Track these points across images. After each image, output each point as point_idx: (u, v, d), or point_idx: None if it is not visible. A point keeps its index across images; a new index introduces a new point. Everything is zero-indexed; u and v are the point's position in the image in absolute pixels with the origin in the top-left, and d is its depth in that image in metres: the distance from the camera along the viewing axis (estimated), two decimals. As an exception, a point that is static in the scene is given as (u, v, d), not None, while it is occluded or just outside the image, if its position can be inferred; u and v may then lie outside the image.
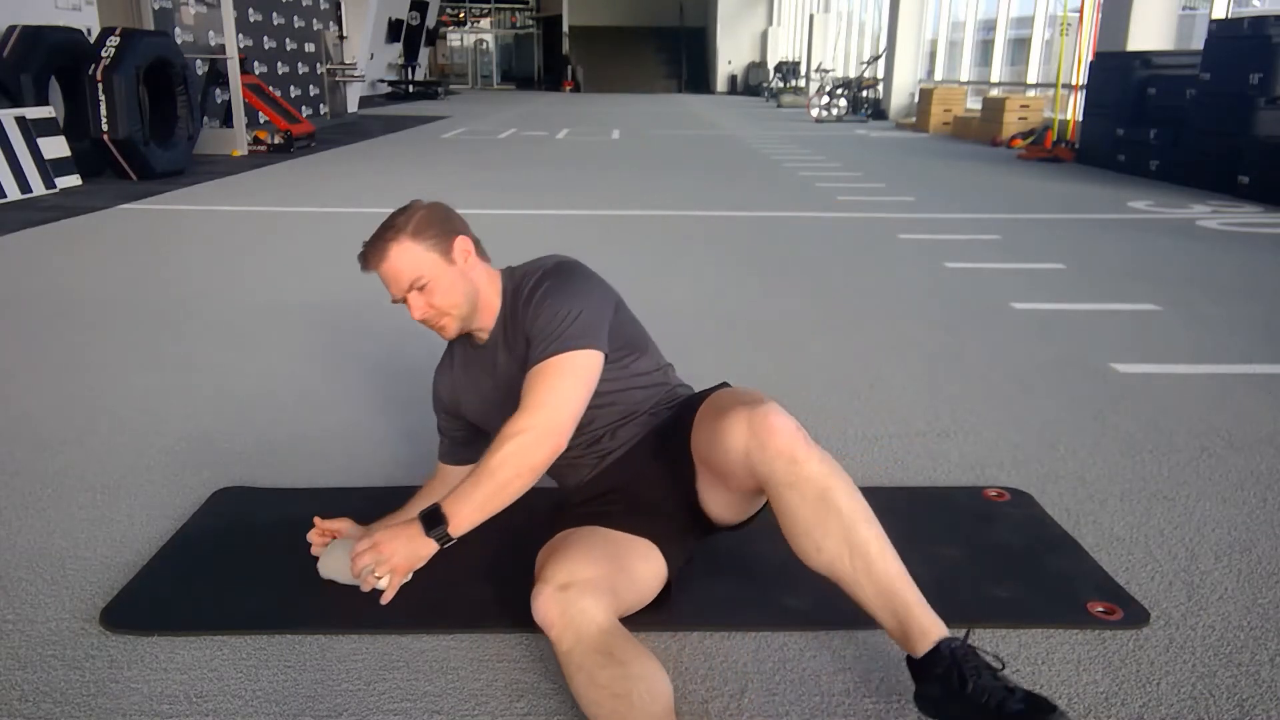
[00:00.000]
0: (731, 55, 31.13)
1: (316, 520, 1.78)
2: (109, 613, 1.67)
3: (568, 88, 30.73)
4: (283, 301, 3.87)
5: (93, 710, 1.43)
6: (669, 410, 1.81)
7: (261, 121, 10.76)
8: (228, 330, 3.49)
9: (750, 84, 29.54)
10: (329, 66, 15.58)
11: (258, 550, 1.89)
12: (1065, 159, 9.41)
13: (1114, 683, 1.50)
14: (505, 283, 1.80)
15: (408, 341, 3.07)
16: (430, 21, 23.74)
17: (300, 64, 15.09)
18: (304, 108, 14.68)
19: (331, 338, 3.42)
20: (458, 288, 1.73)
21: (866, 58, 18.79)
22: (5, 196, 6.58)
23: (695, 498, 1.68)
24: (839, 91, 16.59)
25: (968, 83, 14.91)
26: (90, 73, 7.40)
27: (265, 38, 13.82)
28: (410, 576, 1.63)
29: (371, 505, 1.90)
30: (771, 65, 26.51)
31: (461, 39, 37.48)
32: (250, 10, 13.25)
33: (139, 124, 7.58)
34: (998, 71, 14.26)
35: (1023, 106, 11.25)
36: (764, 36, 30.17)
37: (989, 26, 14.51)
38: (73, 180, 7.40)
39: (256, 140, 10.00)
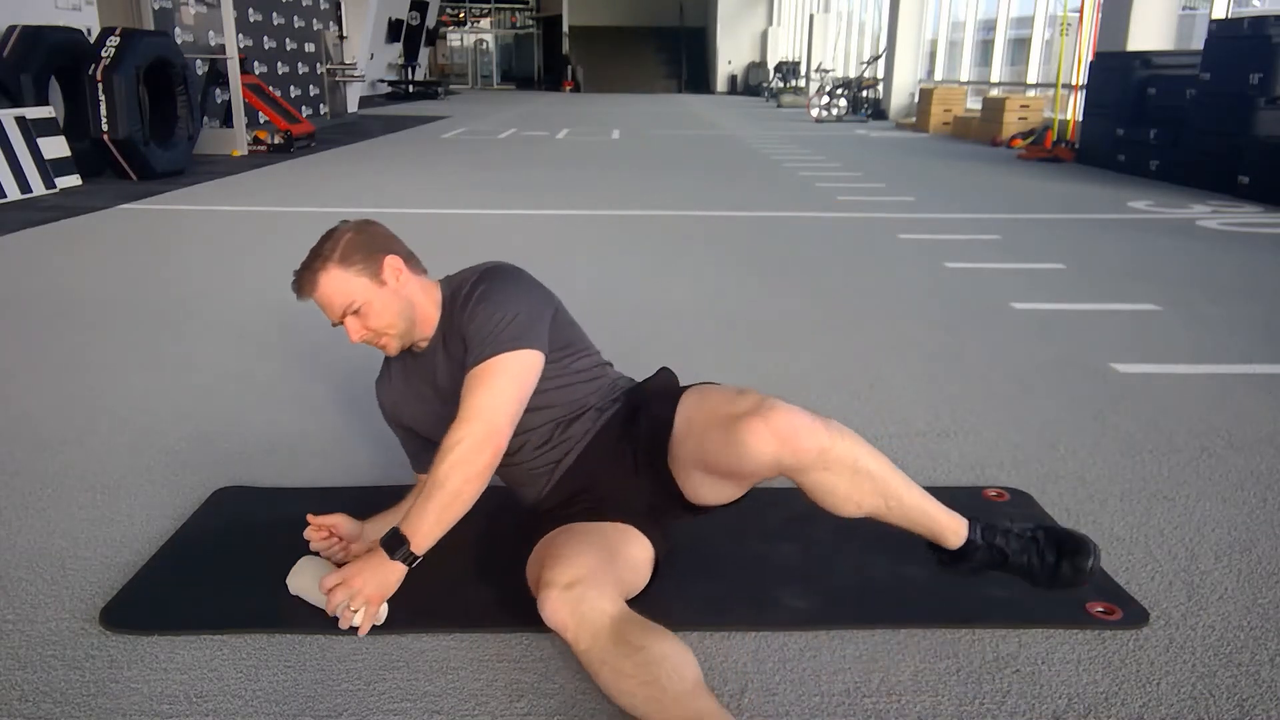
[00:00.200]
0: (731, 55, 31.14)
1: (310, 518, 1.78)
2: (109, 613, 1.67)
3: (568, 88, 30.73)
4: (283, 301, 3.85)
5: (93, 710, 1.43)
6: (614, 403, 1.82)
7: (261, 121, 10.76)
8: (228, 330, 3.49)
9: (750, 84, 29.54)
10: (329, 66, 15.58)
11: (258, 550, 1.89)
12: (1065, 159, 9.41)
13: (1114, 683, 1.50)
14: (443, 291, 1.81)
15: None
16: (430, 21, 23.75)
17: (300, 64, 15.09)
18: (304, 108, 14.68)
19: (331, 337, 3.41)
20: (392, 308, 1.73)
21: (866, 58, 18.79)
22: (5, 196, 6.58)
23: (674, 488, 1.70)
24: (839, 91, 16.59)
25: (968, 83, 14.91)
26: (90, 73, 7.40)
27: (265, 38, 13.82)
28: (385, 613, 1.62)
29: (371, 504, 1.90)
30: (771, 65, 26.51)
31: (461, 39, 37.48)
32: (250, 10, 13.24)
33: (139, 124, 7.58)
34: (998, 71, 14.26)
35: (1023, 106, 11.25)
36: (764, 36, 30.17)
37: (989, 26, 14.52)
38: (73, 180, 7.41)
39: (256, 140, 10.00)
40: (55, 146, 7.33)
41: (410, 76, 22.94)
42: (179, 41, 10.11)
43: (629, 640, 1.38)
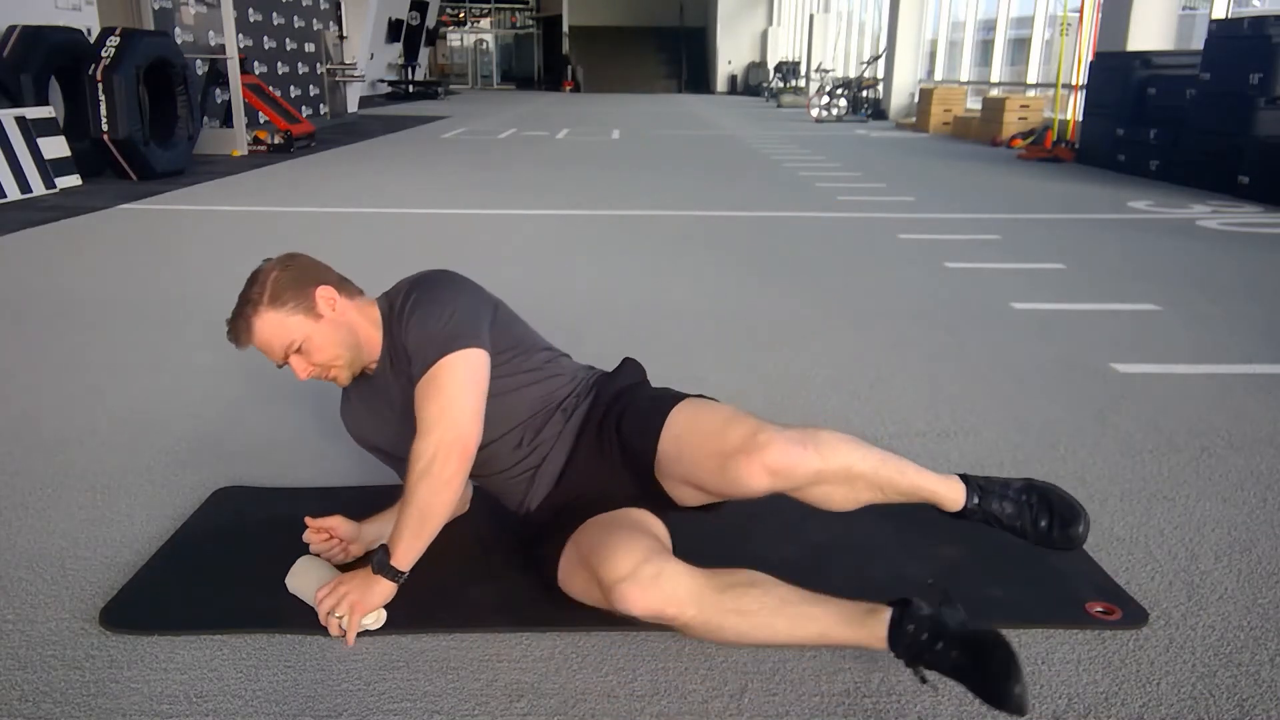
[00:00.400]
0: (731, 55, 31.14)
1: (308, 520, 1.78)
2: (109, 613, 1.67)
3: (568, 88, 30.73)
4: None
5: (93, 710, 1.43)
6: (582, 399, 1.80)
7: (261, 121, 10.76)
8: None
9: (750, 84, 29.54)
10: (329, 66, 15.58)
11: (257, 550, 1.89)
12: (1065, 159, 9.41)
13: (1114, 683, 1.50)
14: (381, 308, 1.78)
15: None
16: (430, 21, 23.74)
17: (300, 64, 15.09)
18: (304, 108, 14.68)
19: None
20: (333, 339, 1.71)
21: (866, 58, 18.79)
22: (5, 196, 6.58)
23: (664, 497, 1.70)
24: (839, 91, 16.59)
25: (968, 83, 14.91)
26: (90, 73, 7.39)
27: (265, 38, 13.81)
28: (382, 618, 1.62)
29: (370, 504, 1.90)
30: (771, 65, 26.51)
31: (461, 39, 37.48)
32: (250, 10, 13.24)
33: (139, 124, 7.58)
34: (998, 71, 14.26)
35: (1023, 106, 11.25)
36: (764, 36, 30.17)
37: (989, 26, 14.52)
38: (73, 180, 7.40)
39: (256, 140, 10.00)
40: (55, 146, 7.33)
41: (410, 76, 22.93)
42: (179, 41, 10.11)
43: (718, 586, 1.45)
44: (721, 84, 31.32)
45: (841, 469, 1.54)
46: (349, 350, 1.73)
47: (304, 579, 1.70)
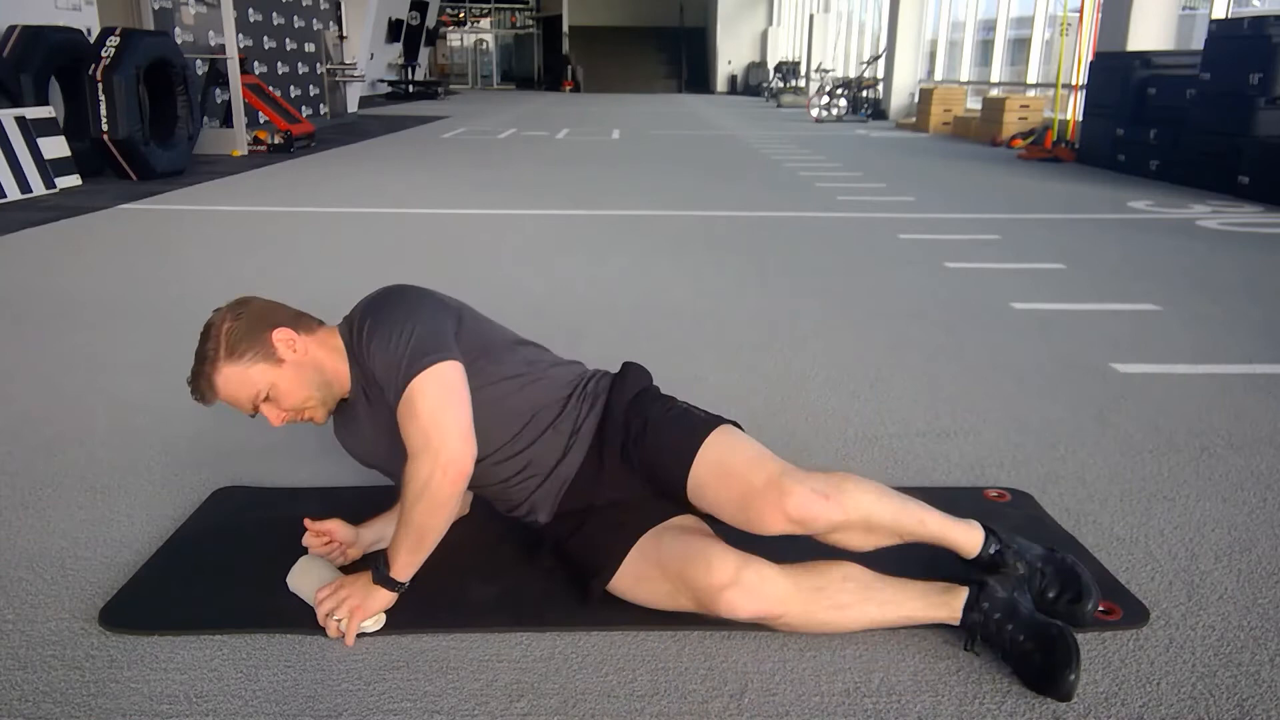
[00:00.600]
0: (731, 55, 31.13)
1: (307, 522, 1.78)
2: (108, 613, 1.67)
3: (568, 88, 30.73)
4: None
5: (93, 710, 1.43)
6: (593, 412, 1.76)
7: (261, 121, 10.75)
8: (228, 330, 3.48)
9: (750, 84, 29.54)
10: (329, 66, 15.58)
11: (257, 550, 1.89)
12: (1065, 159, 9.41)
13: (1114, 683, 1.50)
14: (343, 335, 1.73)
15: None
16: (430, 21, 23.75)
17: (300, 64, 15.08)
18: (304, 108, 14.67)
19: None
20: (300, 381, 1.67)
21: (866, 58, 18.79)
22: (5, 196, 6.58)
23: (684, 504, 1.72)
24: (839, 91, 16.58)
25: (968, 83, 14.91)
26: (90, 73, 7.39)
27: (265, 38, 13.81)
28: (381, 621, 1.62)
29: (370, 504, 1.90)
30: (771, 65, 26.51)
31: (461, 39, 37.48)
32: (250, 10, 13.24)
33: (139, 124, 7.58)
34: (998, 71, 14.26)
35: (1023, 106, 11.25)
36: (764, 36, 30.17)
37: (989, 26, 14.52)
38: (73, 180, 7.40)
39: (256, 140, 9.99)
40: (55, 146, 7.32)
41: (410, 76, 22.93)
42: (179, 41, 10.10)
43: (816, 580, 1.55)
44: (721, 84, 31.32)
45: (860, 520, 1.59)
46: (319, 389, 1.69)
47: (305, 578, 1.70)
